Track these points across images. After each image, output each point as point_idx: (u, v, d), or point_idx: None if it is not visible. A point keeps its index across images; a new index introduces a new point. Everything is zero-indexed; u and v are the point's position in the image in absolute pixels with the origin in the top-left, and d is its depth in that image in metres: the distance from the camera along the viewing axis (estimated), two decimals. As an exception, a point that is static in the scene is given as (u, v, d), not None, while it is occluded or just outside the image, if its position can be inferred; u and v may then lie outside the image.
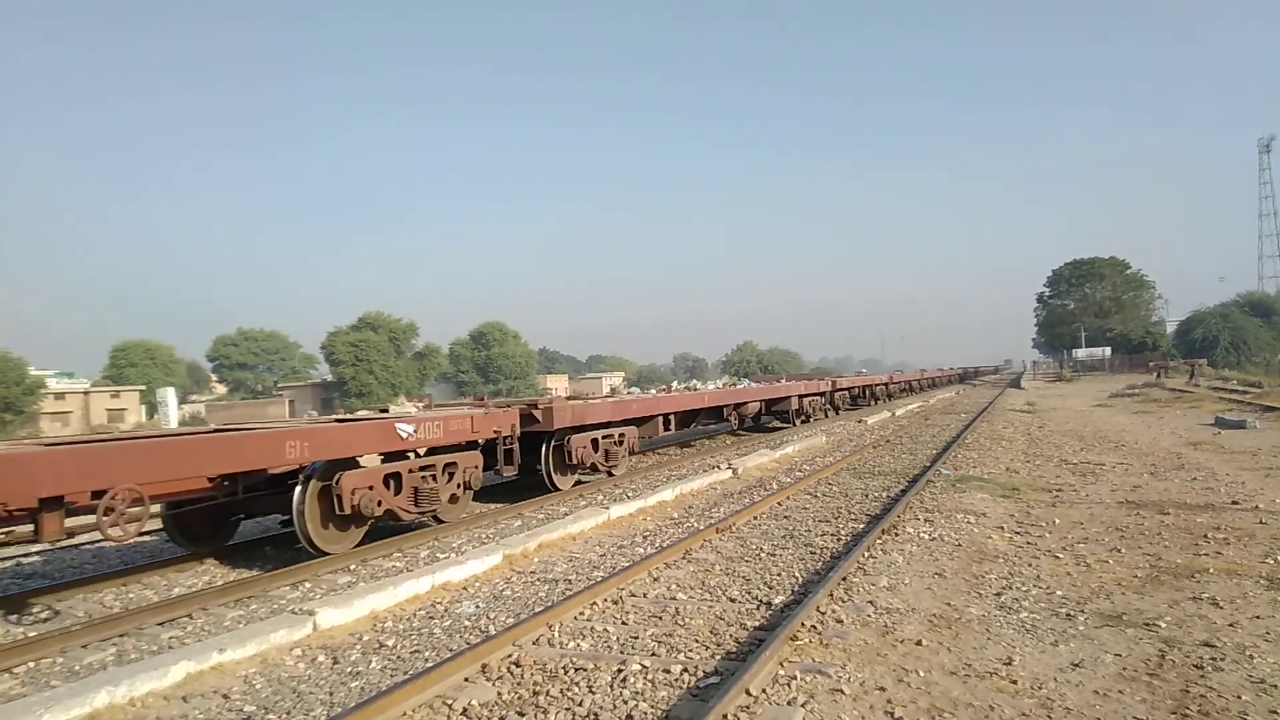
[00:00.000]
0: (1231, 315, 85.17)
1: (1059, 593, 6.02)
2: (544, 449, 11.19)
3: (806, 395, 22.91)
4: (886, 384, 36.78)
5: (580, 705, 4.22)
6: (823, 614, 5.52)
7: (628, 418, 13.13)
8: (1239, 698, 4.11)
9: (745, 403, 19.33)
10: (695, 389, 20.04)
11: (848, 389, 28.81)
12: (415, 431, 8.42)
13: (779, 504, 10.12)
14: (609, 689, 4.42)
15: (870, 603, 5.79)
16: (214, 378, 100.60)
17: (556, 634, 5.38)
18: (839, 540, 7.97)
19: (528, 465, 10.96)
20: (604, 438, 12.28)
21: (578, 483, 11.90)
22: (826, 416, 25.13)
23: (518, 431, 10.33)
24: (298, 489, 7.53)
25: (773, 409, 21.37)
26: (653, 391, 20.72)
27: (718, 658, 4.87)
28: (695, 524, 9.07)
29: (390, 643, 5.41)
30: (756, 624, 5.49)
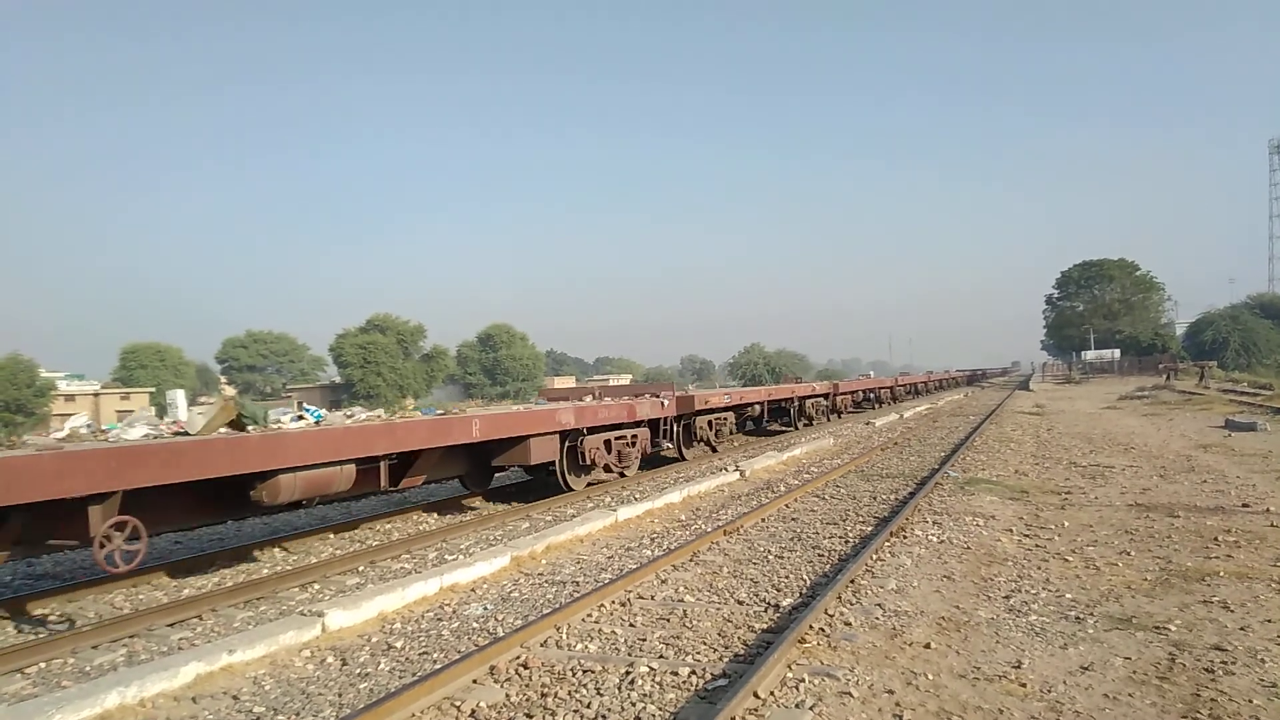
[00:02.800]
0: (1242, 317, 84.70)
1: (1068, 595, 6.00)
2: None
3: (602, 431, 11.89)
4: (829, 395, 25.33)
5: (588, 707, 4.22)
6: (831, 617, 5.52)
7: None
8: (1250, 701, 4.08)
9: (327, 465, 7.50)
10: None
11: (734, 408, 17.28)
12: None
13: (786, 506, 10.11)
14: (617, 691, 4.43)
15: (878, 605, 5.78)
16: (223, 379, 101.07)
17: (564, 636, 5.38)
18: (847, 543, 7.95)
19: None
20: None
21: None
22: (684, 459, 14.94)
23: None
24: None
25: (496, 460, 10.48)
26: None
27: (726, 660, 4.86)
28: (703, 526, 9.07)
29: (399, 644, 5.43)
30: (764, 626, 5.48)
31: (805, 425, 22.68)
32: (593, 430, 11.72)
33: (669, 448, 14.48)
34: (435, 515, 10.50)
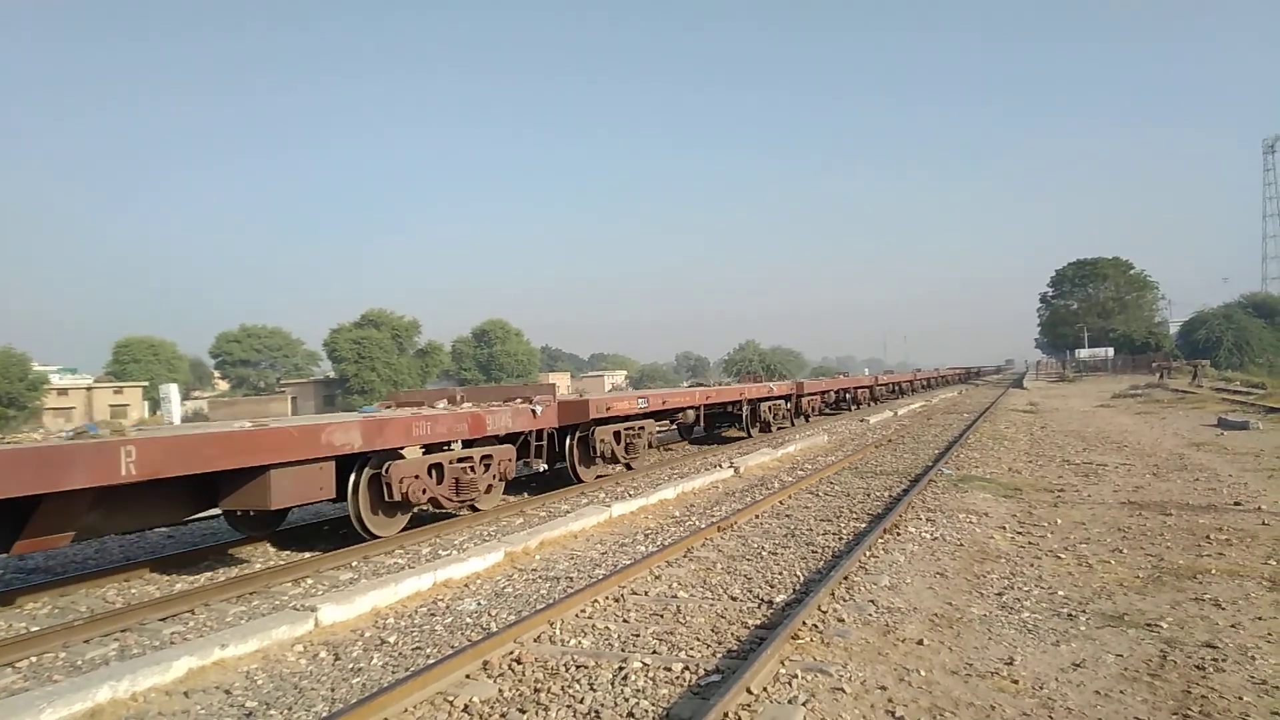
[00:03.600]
0: (1235, 316, 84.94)
1: (1061, 593, 6.02)
2: None
3: (431, 452, 9.01)
4: (790, 397, 21.65)
5: (581, 702, 4.22)
6: (824, 613, 5.52)
7: None
8: (1240, 699, 4.10)
9: None
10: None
11: (653, 415, 14.06)
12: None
13: (781, 503, 10.12)
14: (610, 686, 4.42)
15: (872, 602, 5.78)
16: (216, 374, 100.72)
17: (558, 631, 5.38)
18: (841, 539, 7.96)
19: None
20: None
21: None
22: (579, 480, 11.93)
23: None
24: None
25: (222, 503, 7.32)
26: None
27: (719, 656, 4.87)
28: (697, 522, 9.07)
29: (392, 639, 5.42)
30: (758, 622, 5.49)
31: (761, 432, 19.69)
32: (426, 449, 8.91)
33: (545, 468, 11.57)
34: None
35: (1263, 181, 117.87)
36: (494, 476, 9.82)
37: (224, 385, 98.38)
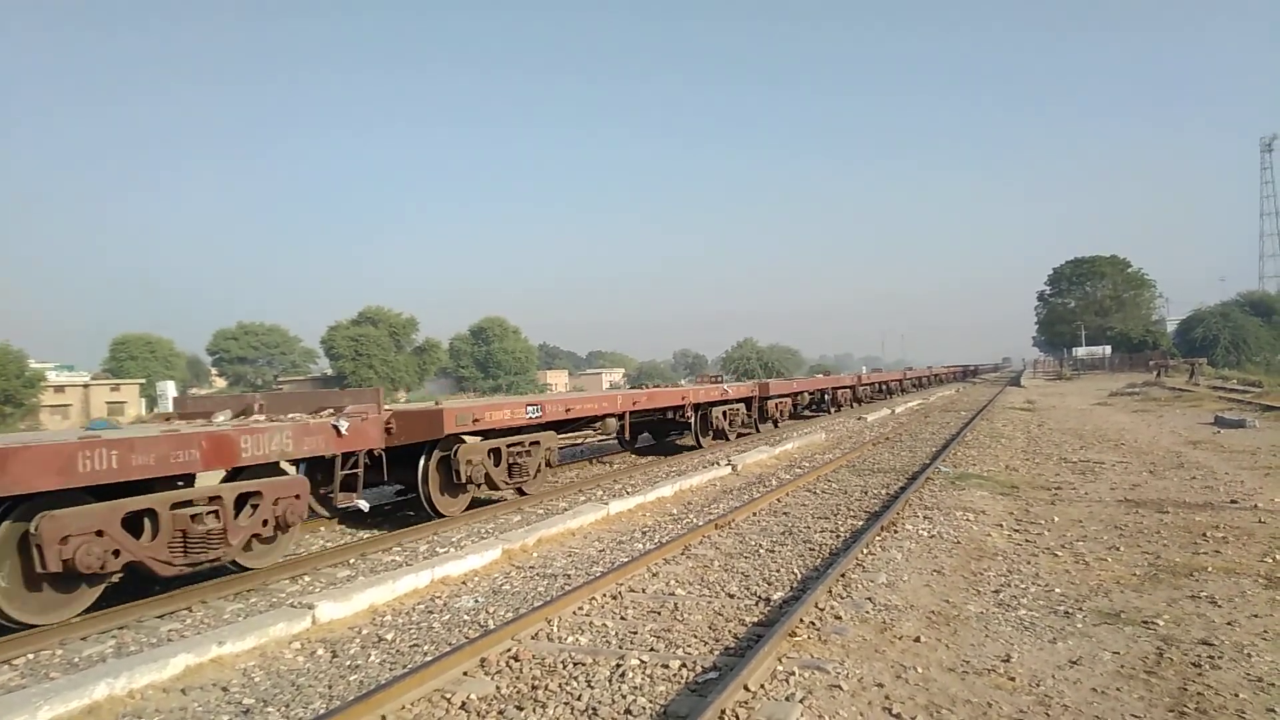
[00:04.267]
0: (1232, 314, 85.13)
1: (1057, 590, 6.02)
2: None
3: (123, 495, 5.81)
4: (751, 400, 18.95)
5: (579, 700, 4.23)
6: (821, 610, 5.53)
7: None
8: (1236, 696, 4.11)
9: None
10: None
11: (552, 426, 11.26)
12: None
13: (778, 500, 10.12)
14: (607, 684, 4.43)
15: (869, 599, 5.79)
16: (214, 371, 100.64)
17: (555, 629, 5.38)
18: (838, 537, 7.97)
19: None
20: None
21: None
22: (439, 515, 9.18)
23: None
24: None
25: None
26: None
27: (716, 653, 4.87)
28: (694, 520, 9.08)
29: (389, 636, 5.42)
30: (755, 620, 5.49)
31: (716, 440, 17.38)
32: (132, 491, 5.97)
33: (366, 506, 8.50)
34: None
35: (1260, 180, 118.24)
36: (264, 523, 6.90)
37: (221, 383, 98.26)
